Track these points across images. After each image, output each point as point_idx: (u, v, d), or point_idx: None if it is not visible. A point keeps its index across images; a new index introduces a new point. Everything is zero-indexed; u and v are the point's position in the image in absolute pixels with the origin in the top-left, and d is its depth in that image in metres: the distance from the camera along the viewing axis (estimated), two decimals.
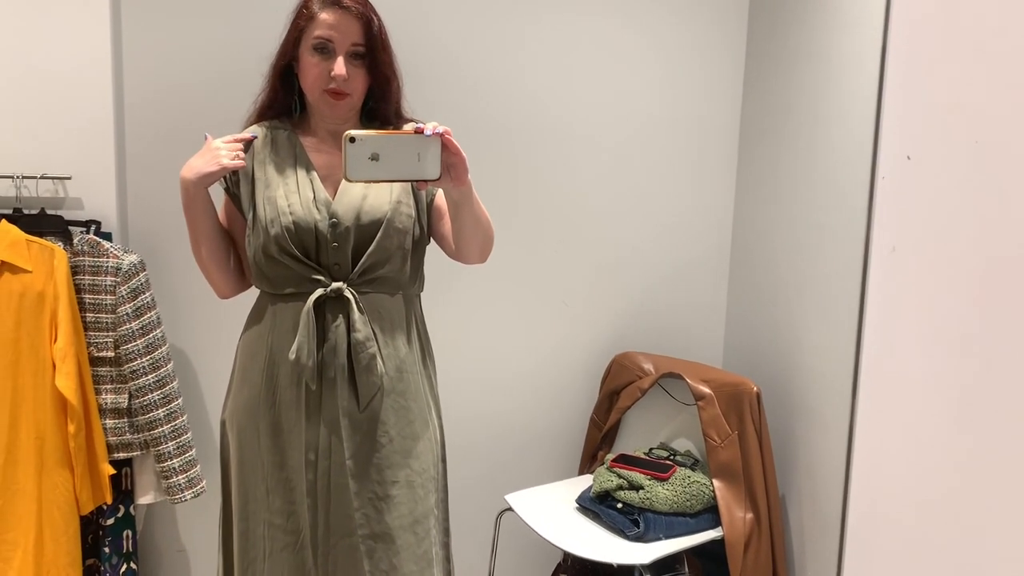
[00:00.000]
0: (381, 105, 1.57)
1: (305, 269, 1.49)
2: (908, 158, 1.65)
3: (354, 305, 1.47)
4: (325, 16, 1.46)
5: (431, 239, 1.62)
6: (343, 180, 1.49)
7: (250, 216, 1.53)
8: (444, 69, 2.25)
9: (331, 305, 1.48)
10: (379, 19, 1.50)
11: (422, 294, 1.65)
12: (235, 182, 1.57)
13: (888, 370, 1.71)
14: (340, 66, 1.46)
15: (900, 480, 1.73)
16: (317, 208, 1.48)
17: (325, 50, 1.47)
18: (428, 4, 2.23)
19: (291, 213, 1.47)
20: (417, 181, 1.31)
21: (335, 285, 1.48)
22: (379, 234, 1.48)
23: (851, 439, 1.75)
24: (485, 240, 1.54)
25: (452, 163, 1.31)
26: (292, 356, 1.46)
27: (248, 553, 1.55)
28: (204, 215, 1.52)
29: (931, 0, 1.63)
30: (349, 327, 1.48)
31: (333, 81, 1.47)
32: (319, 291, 1.47)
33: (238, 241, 1.62)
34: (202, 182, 1.47)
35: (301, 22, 1.49)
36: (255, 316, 1.58)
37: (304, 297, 1.47)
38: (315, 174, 1.52)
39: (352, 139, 1.25)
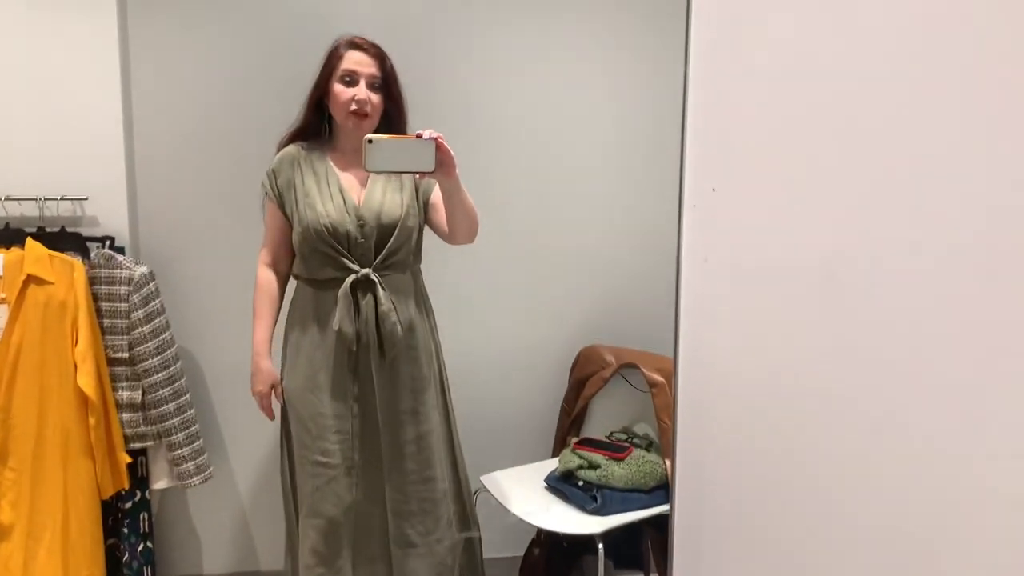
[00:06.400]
0: (392, 126, 1.97)
1: (340, 259, 1.88)
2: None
3: (379, 285, 1.88)
4: (350, 55, 1.91)
5: (427, 227, 2.03)
6: (364, 187, 1.93)
7: (295, 220, 1.93)
8: (441, 90, 2.42)
9: (361, 286, 1.89)
10: (390, 60, 1.95)
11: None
12: (279, 195, 1.96)
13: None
14: (363, 90, 1.89)
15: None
16: (347, 212, 1.89)
17: (351, 80, 1.89)
18: (427, 42, 2.42)
19: (327, 216, 1.88)
20: (417, 172, 1.69)
21: (363, 271, 1.88)
22: (396, 231, 1.91)
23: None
24: (471, 223, 1.91)
25: (443, 160, 1.68)
26: (336, 326, 1.86)
27: (307, 484, 1.95)
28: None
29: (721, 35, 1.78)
30: (376, 302, 1.87)
31: (356, 104, 1.87)
32: (352, 276, 1.86)
33: (287, 241, 2.00)
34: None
35: (332, 61, 1.92)
36: (300, 303, 1.98)
37: (340, 282, 1.88)
38: (343, 185, 1.93)
39: (370, 140, 1.61)
